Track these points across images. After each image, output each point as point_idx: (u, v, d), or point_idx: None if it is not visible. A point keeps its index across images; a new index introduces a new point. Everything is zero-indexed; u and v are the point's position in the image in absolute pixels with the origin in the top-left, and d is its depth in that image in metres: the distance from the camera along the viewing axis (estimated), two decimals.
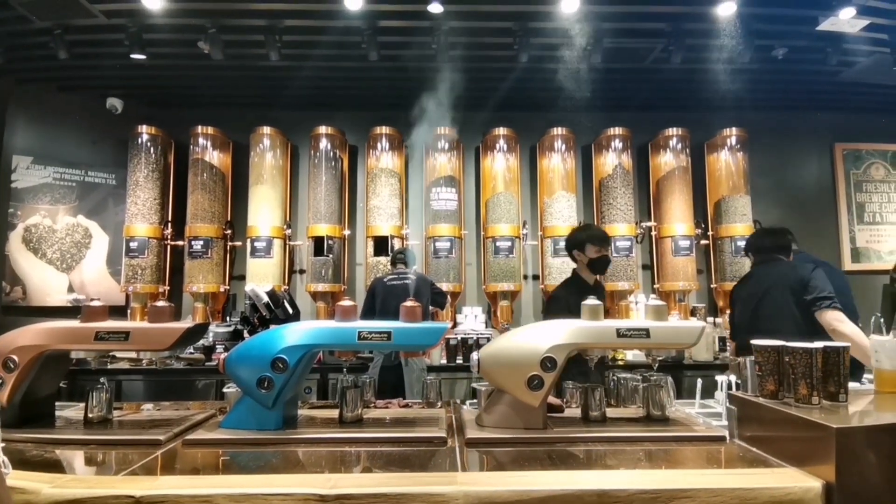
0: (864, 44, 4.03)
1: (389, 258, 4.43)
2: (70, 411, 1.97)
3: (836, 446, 1.20)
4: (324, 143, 4.84)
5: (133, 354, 3.78)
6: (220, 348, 3.99)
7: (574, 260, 2.92)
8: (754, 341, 1.61)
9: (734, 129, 4.94)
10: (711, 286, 5.01)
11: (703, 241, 4.99)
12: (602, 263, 2.83)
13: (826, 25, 3.66)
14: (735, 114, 4.90)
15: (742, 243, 4.75)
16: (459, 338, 4.19)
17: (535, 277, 5.05)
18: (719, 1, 3.45)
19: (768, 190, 5.17)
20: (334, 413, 1.85)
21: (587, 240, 2.83)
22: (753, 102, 5.02)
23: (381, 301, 3.96)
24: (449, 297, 4.49)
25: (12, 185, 4.53)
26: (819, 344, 1.49)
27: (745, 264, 4.71)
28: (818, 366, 1.46)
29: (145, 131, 4.78)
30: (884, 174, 5.40)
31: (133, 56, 3.95)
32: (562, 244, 4.67)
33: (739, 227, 4.81)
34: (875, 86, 4.75)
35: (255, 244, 4.67)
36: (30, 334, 1.72)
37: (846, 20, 3.60)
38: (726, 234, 4.85)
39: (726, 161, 4.97)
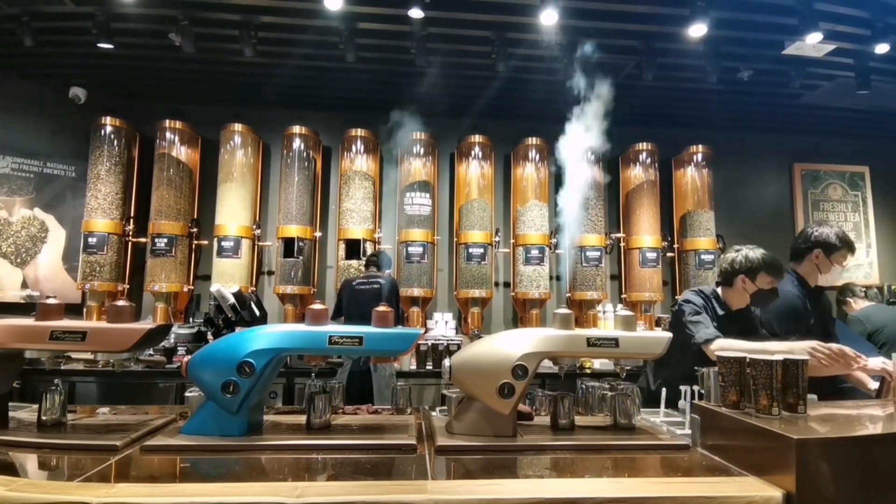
0: (827, 68, 4.22)
1: (364, 260, 4.40)
2: (23, 412, 1.88)
3: (797, 457, 1.24)
4: (297, 143, 4.78)
5: (89, 355, 3.63)
6: (181, 350, 3.87)
7: (729, 282, 2.36)
8: (718, 353, 1.65)
9: (700, 146, 5.10)
10: (676, 297, 5.14)
11: (670, 254, 5.12)
12: (770, 297, 2.32)
13: (792, 50, 3.81)
14: (701, 131, 5.07)
15: (706, 257, 4.91)
16: (430, 344, 4.18)
17: (507, 285, 5.09)
18: (691, 23, 3.56)
19: (731, 206, 5.35)
20: (301, 419, 1.81)
21: (765, 268, 2.28)
22: (719, 121, 5.21)
23: (347, 304, 3.92)
24: (407, 310, 4.53)
25: None
26: (779, 357, 1.54)
27: (709, 278, 4.86)
28: (778, 377, 1.51)
29: (109, 123, 4.62)
30: (841, 194, 5.65)
31: (100, 45, 3.82)
32: (534, 252, 4.75)
33: (703, 241, 4.97)
34: (835, 108, 4.98)
35: (223, 243, 4.55)
36: None
37: (812, 45, 3.74)
38: (691, 247, 5.00)
39: (692, 177, 5.12)
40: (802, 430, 1.35)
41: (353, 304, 3.90)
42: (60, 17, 3.68)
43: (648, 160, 5.06)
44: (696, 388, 1.85)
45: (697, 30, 3.64)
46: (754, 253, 2.32)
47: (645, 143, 5.06)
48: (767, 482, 1.31)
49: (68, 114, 4.73)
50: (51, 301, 1.71)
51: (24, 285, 4.50)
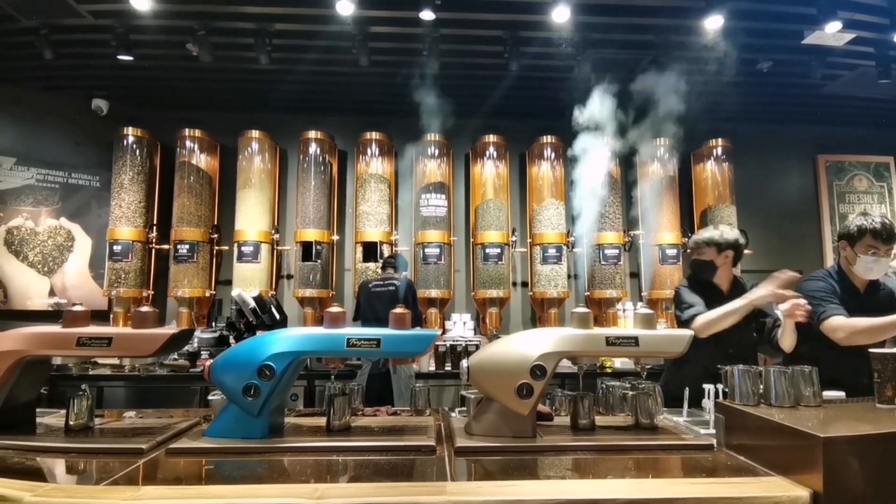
0: (848, 57, 4.12)
1: (380, 262, 4.43)
2: (50, 418, 1.92)
3: (824, 456, 1.21)
4: (313, 148, 4.82)
5: (115, 360, 3.72)
6: (204, 354, 3.93)
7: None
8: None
9: (720, 139, 5.01)
10: None
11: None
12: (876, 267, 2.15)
13: (811, 39, 3.73)
14: (721, 125, 4.98)
15: None
16: (448, 345, 4.18)
17: (524, 284, 5.06)
18: (707, 14, 3.50)
19: (753, 200, 5.24)
20: (321, 421, 1.83)
21: (865, 231, 2.12)
22: (739, 114, 5.10)
23: (364, 306, 3.96)
24: (424, 312, 4.56)
25: None
26: None
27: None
28: None
29: (131, 133, 4.73)
30: (867, 185, 5.50)
31: (120, 57, 3.91)
32: (551, 251, 4.72)
33: None
34: (858, 98, 4.85)
35: (243, 249, 4.62)
36: (9, 339, 1.68)
37: (831, 34, 3.67)
38: None
39: (712, 171, 5.04)
40: (829, 429, 1.32)
41: (369, 307, 3.92)
42: (80, 30, 3.78)
43: (666, 155, 4.99)
44: (719, 386, 1.82)
45: (714, 21, 3.58)
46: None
47: (663, 139, 4.99)
48: (794, 482, 1.28)
49: (91, 125, 4.85)
50: (76, 308, 1.75)
51: (52, 293, 4.62)
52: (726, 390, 1.73)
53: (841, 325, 2.08)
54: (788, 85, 4.63)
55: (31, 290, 4.55)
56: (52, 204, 4.68)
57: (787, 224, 5.25)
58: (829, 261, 5.35)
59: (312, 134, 4.82)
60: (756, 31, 3.85)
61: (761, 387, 1.64)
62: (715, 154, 5.04)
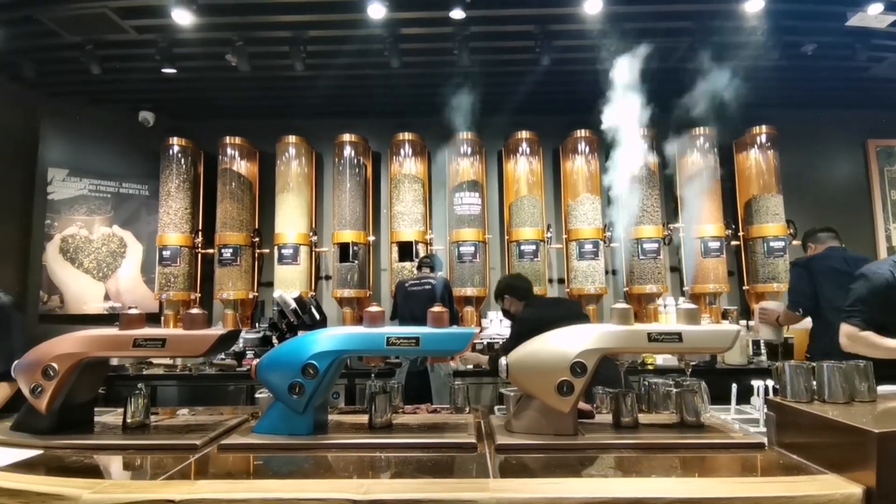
0: (892, 39, 3.92)
1: (416, 262, 4.47)
2: (108, 417, 2.01)
3: (878, 451, 1.16)
4: (347, 151, 4.90)
5: (168, 360, 3.88)
6: (250, 354, 4.06)
7: None
8: None
9: (763, 126, 4.83)
10: (743, 288, 4.89)
11: (734, 243, 4.88)
12: None
13: (854, 21, 3.60)
14: (764, 111, 4.79)
15: (776, 244, 4.63)
16: (485, 342, 4.18)
17: (561, 281, 5.01)
18: None
19: (800, 188, 5.03)
20: (363, 418, 1.87)
21: None
22: (782, 99, 4.90)
23: (401, 305, 4.01)
24: (461, 310, 4.59)
25: (48, 198, 4.69)
26: None
27: (779, 265, 4.60)
28: None
29: (176, 143, 4.92)
30: None
31: (164, 70, 4.07)
32: (587, 247, 4.66)
33: (772, 227, 4.69)
34: None
35: (283, 251, 4.74)
36: (69, 342, 1.76)
37: (874, 15, 3.54)
38: (758, 234, 4.73)
39: (756, 159, 4.85)
40: (884, 423, 1.26)
41: (405, 306, 3.97)
42: (125, 45, 3.94)
43: (707, 145, 4.84)
44: (769, 383, 1.76)
45: (754, 5, 3.45)
46: None
47: (702, 128, 4.84)
48: (847, 479, 1.23)
49: (138, 136, 5.07)
50: (132, 311, 1.84)
51: (107, 297, 4.86)
52: (776, 387, 1.67)
53: (852, 335, 2.22)
54: (833, 68, 4.42)
55: (87, 295, 4.80)
56: (104, 213, 4.91)
57: (837, 213, 5.00)
58: (883, 250, 5.08)
59: (347, 137, 4.90)
60: (798, 14, 3.69)
61: (814, 383, 1.58)
62: (759, 142, 4.86)
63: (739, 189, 4.94)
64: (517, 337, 2.69)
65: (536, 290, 4.63)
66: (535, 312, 3.02)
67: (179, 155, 4.92)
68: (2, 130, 4.43)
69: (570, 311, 3.16)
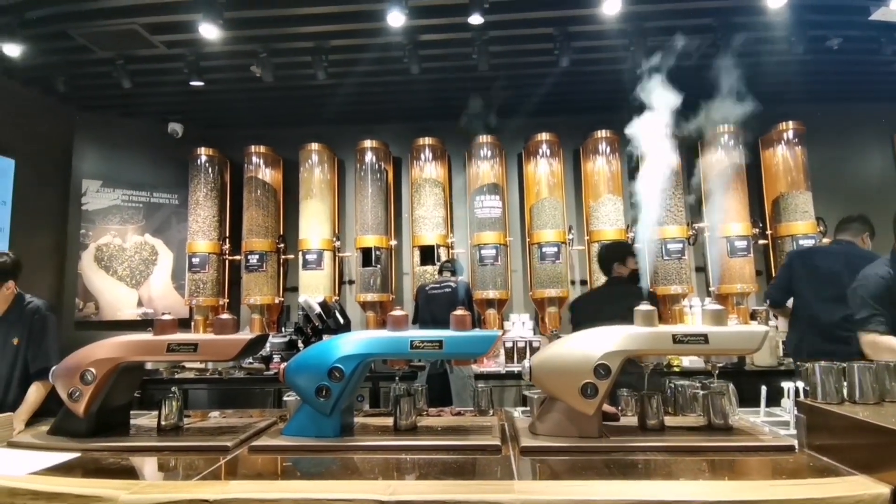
0: None
1: (437, 266, 4.50)
2: (143, 419, 2.08)
3: None
4: (369, 156, 4.96)
5: (200, 364, 3.98)
6: (276, 358, 4.14)
7: None
8: None
9: (791, 122, 4.72)
10: None
11: (762, 241, 4.78)
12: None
13: (878, 15, 3.53)
14: (789, 107, 4.69)
15: (805, 242, 4.52)
16: (509, 345, 4.17)
17: (583, 283, 4.98)
18: None
19: (829, 185, 4.90)
20: (388, 421, 1.89)
21: None
22: (808, 95, 4.79)
23: (422, 309, 4.04)
24: (483, 313, 4.60)
25: (83, 208, 4.87)
26: None
27: None
28: None
29: (203, 153, 5.05)
30: None
31: (192, 83, 4.19)
32: None
33: (801, 224, 4.58)
34: None
35: (307, 257, 4.82)
36: (106, 347, 1.82)
37: None
38: (787, 232, 4.63)
39: (783, 156, 4.75)
40: None
41: (426, 309, 4.00)
42: (154, 59, 4.07)
43: (731, 142, 4.76)
44: (800, 384, 1.73)
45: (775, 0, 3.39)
46: None
47: (727, 125, 4.76)
48: (876, 480, 1.21)
49: (167, 146, 5.23)
50: (165, 317, 1.90)
51: (140, 304, 5.01)
52: (807, 388, 1.64)
53: (872, 343, 2.14)
54: (859, 62, 4.31)
55: (121, 301, 4.95)
56: (136, 222, 5.07)
57: (867, 208, 4.78)
58: None
59: (368, 143, 4.96)
60: (822, 8, 3.62)
61: (845, 383, 1.55)
62: (786, 138, 4.75)
63: (766, 186, 4.84)
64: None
65: (558, 292, 4.61)
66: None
67: (207, 164, 5.05)
68: (38, 143, 4.61)
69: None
